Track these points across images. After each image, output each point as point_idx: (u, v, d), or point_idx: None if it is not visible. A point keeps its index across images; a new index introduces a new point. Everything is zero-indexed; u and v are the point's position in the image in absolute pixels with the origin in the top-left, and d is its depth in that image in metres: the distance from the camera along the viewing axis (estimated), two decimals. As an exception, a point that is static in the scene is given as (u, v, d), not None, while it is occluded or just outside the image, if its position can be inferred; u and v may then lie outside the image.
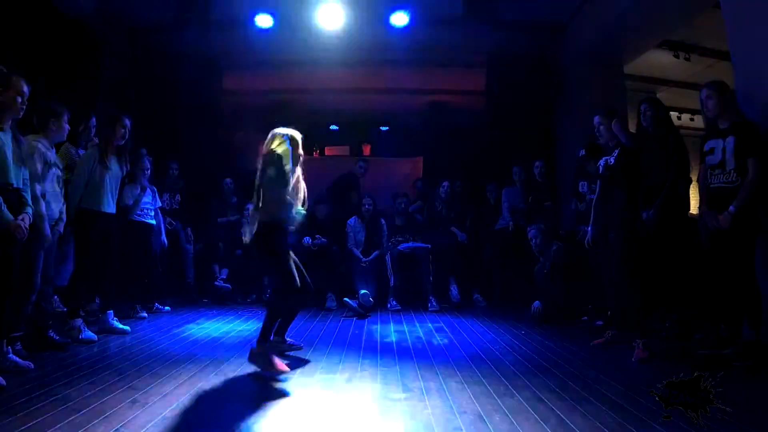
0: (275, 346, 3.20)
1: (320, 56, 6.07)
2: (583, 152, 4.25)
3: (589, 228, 3.57)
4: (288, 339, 3.26)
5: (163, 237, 4.73)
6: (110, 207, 3.60)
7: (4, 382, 2.26)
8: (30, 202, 2.62)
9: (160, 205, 4.76)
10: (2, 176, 2.45)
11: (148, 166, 4.45)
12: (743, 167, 2.85)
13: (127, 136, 3.69)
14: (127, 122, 3.67)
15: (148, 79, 6.13)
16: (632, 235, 3.25)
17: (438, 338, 3.64)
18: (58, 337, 3.11)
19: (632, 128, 4.43)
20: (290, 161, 2.86)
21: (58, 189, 3.13)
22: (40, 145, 2.95)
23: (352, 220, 5.44)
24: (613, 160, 3.31)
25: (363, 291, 4.67)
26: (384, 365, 2.85)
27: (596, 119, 3.44)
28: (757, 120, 2.94)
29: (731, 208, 2.83)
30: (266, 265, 3.15)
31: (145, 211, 4.45)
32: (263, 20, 5.40)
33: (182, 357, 2.96)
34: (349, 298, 4.60)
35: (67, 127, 3.17)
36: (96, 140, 3.86)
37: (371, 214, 5.43)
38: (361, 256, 5.19)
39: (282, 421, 2.00)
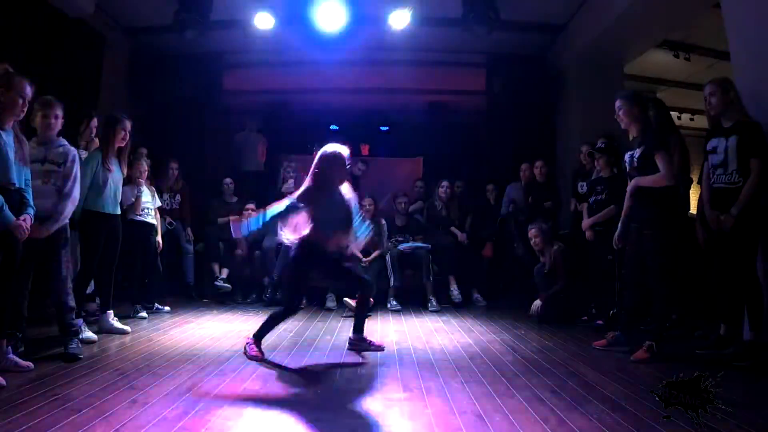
0: (355, 344, 3.24)
1: (320, 56, 6.06)
2: (602, 144, 4.11)
3: (619, 224, 3.31)
4: (367, 338, 3.27)
5: (158, 237, 4.61)
6: (113, 208, 3.59)
7: (4, 382, 2.26)
8: (32, 203, 2.62)
9: (159, 204, 4.75)
10: (4, 176, 2.45)
11: (145, 168, 4.43)
12: (745, 167, 2.81)
13: (128, 139, 3.65)
14: (128, 124, 3.62)
15: (149, 79, 6.14)
16: (671, 233, 3.06)
17: (438, 338, 3.64)
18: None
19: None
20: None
21: None
22: None
23: (352, 220, 5.43)
24: (636, 160, 3.09)
25: (363, 291, 4.66)
26: (384, 365, 2.86)
27: (618, 103, 3.18)
28: (757, 121, 2.93)
29: (733, 210, 2.80)
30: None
31: (146, 210, 4.44)
32: (263, 20, 5.40)
33: (182, 357, 2.96)
34: (349, 298, 4.60)
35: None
36: (97, 141, 3.86)
37: (371, 214, 5.43)
38: (361, 256, 5.19)
39: (282, 421, 2.00)
